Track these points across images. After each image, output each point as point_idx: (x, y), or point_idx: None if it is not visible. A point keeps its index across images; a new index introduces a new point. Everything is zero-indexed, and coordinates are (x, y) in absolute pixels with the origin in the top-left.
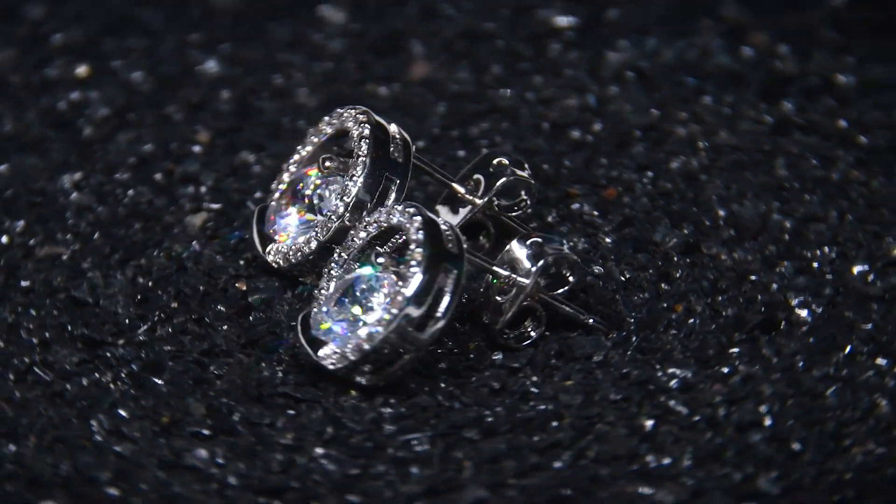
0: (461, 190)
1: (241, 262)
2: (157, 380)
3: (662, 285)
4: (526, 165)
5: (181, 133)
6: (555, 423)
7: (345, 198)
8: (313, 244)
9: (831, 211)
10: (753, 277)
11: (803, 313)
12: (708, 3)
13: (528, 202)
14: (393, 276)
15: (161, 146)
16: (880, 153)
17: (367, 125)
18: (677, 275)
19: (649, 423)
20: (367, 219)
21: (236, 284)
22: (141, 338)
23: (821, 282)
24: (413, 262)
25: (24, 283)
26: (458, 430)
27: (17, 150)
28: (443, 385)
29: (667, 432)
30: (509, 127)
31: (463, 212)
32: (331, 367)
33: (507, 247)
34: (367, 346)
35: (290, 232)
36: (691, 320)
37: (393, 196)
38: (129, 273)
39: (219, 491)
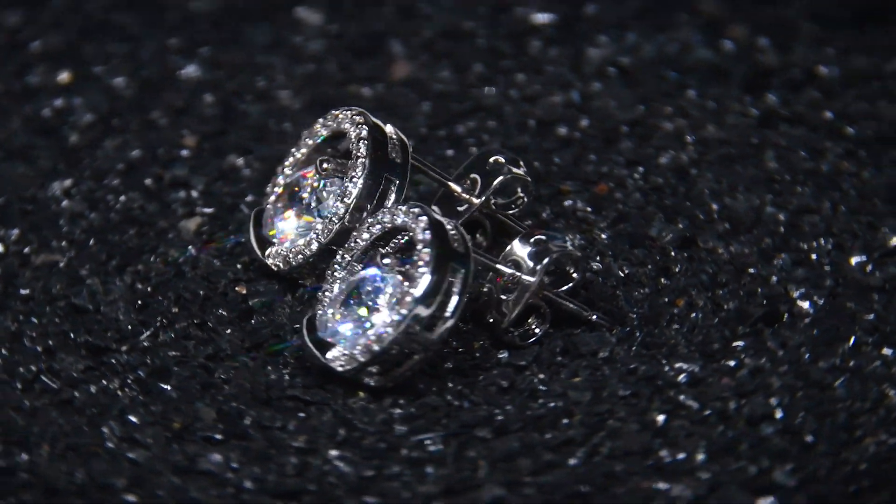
0: (458, 189)
1: (239, 266)
2: (164, 385)
3: (662, 280)
4: (521, 163)
5: (167, 138)
6: (565, 421)
7: (345, 199)
8: (314, 246)
9: (824, 202)
10: (752, 270)
11: (805, 305)
12: None
13: (525, 200)
14: (399, 277)
15: (148, 151)
16: (868, 144)
17: (364, 126)
18: (676, 269)
19: (661, 418)
20: (369, 220)
21: (236, 288)
22: (145, 344)
23: (820, 273)
24: (421, 263)
25: (23, 292)
26: (470, 430)
27: (4, 159)
28: (451, 384)
29: (679, 427)
30: (496, 125)
31: (460, 211)
32: (339, 368)
33: (510, 245)
34: (376, 348)
35: (288, 235)
36: (693, 315)
37: (393, 197)
38: (127, 279)
39: (235, 495)
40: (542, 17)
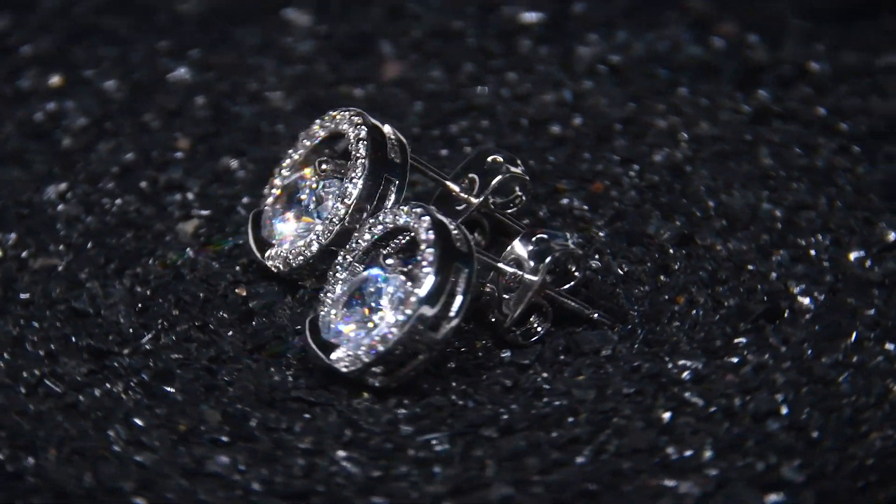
0: (456, 189)
1: (238, 268)
2: (168, 388)
3: (661, 278)
4: (519, 162)
5: (160, 140)
6: (571, 419)
7: (345, 200)
8: (314, 247)
9: (820, 198)
10: (751, 267)
11: (805, 301)
12: None
13: (524, 198)
14: (402, 277)
15: (142, 154)
16: (862, 139)
17: (363, 127)
18: (675, 267)
19: (666, 415)
20: (371, 220)
21: (236, 290)
22: (147, 347)
23: (819, 269)
24: (425, 263)
25: (23, 296)
26: (476, 429)
27: None
28: (454, 384)
29: (685, 424)
30: (489, 124)
31: (459, 210)
32: (344, 369)
33: (511, 244)
34: (381, 348)
35: (288, 236)
36: (694, 312)
37: (393, 197)
38: (126, 282)
39: (244, 497)
40: (530, 16)
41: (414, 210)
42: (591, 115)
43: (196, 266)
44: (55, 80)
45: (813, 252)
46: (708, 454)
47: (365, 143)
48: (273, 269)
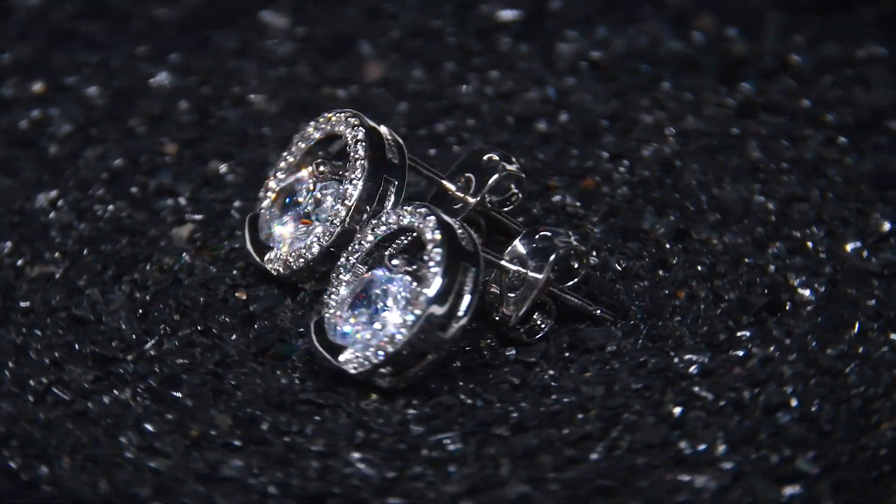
0: (452, 188)
1: (235, 272)
2: (176, 393)
3: (660, 272)
4: (514, 159)
5: (147, 146)
6: (581, 416)
7: (346, 201)
8: (315, 249)
9: (812, 190)
10: (748, 260)
11: (806, 293)
12: None
13: (520, 196)
14: (407, 278)
15: (130, 160)
16: (849, 130)
17: (360, 128)
18: (673, 262)
19: (677, 410)
20: (373, 221)
21: (236, 294)
22: (151, 352)
23: (817, 261)
24: (432, 263)
25: (23, 304)
26: (487, 428)
27: None
28: (462, 383)
29: (696, 418)
30: (475, 123)
31: (455, 209)
32: (353, 371)
33: (513, 243)
34: (390, 349)
35: (287, 239)
36: (695, 306)
37: (392, 198)
38: (125, 288)
39: (261, 501)
40: (507, 14)
41: (418, 210)
42: (576, 111)
43: (193, 270)
44: (37, 86)
45: (810, 244)
46: (721, 448)
47: (363, 144)
48: (273, 271)
